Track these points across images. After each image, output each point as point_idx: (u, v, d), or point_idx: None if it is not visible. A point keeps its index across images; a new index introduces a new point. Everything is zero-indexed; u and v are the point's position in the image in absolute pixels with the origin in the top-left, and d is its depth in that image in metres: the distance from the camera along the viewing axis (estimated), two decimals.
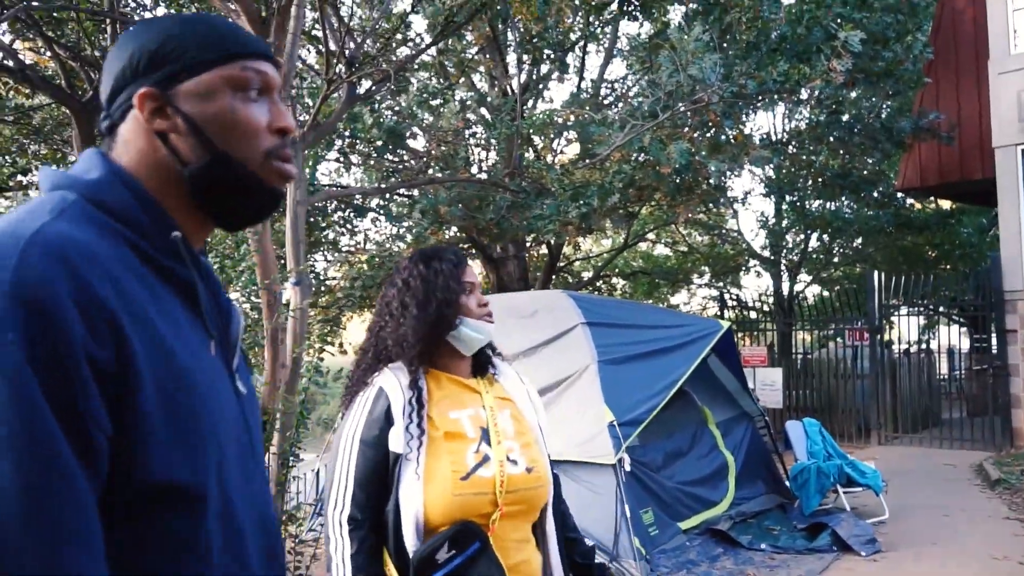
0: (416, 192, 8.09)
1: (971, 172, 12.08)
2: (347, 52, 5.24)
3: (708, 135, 7.80)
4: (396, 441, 1.69)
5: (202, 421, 0.89)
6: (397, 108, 8.17)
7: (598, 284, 14.38)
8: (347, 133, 7.97)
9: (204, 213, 0.99)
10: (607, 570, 1.96)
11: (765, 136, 11.74)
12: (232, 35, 0.99)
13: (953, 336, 17.11)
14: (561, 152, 10.07)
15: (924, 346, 13.90)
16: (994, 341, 12.38)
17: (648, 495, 5.84)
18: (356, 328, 11.89)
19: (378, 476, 1.69)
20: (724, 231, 15.98)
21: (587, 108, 8.53)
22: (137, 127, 0.96)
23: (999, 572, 5.22)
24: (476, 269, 15.23)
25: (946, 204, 16.42)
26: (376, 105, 8.15)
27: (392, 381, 1.74)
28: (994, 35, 10.55)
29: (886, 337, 12.14)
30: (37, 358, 0.76)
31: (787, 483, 7.10)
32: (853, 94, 11.06)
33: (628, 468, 5.57)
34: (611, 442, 5.46)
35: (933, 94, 12.19)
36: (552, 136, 7.93)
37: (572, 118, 8.62)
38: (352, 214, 9.39)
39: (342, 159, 9.39)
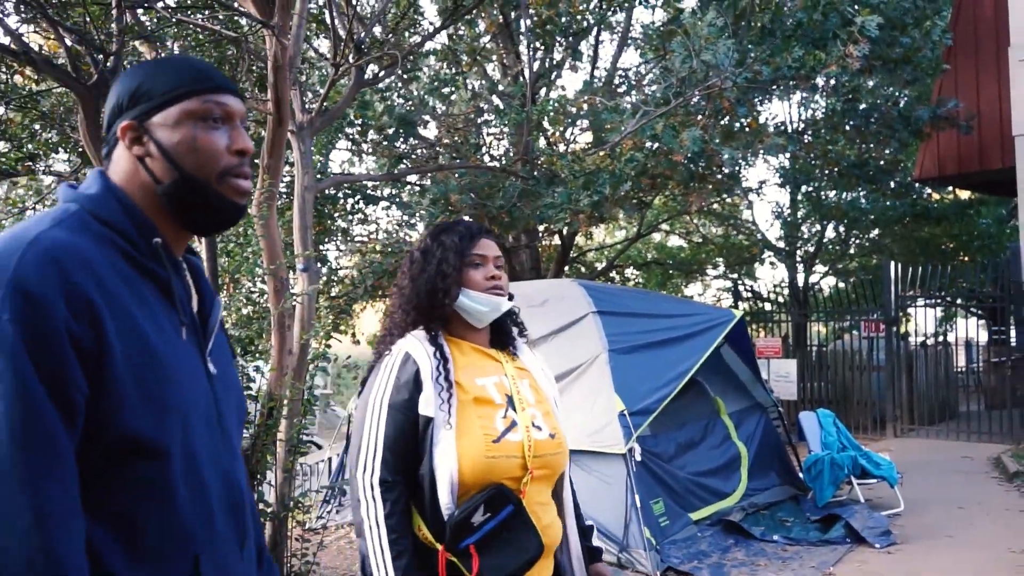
0: (428, 180, 8.04)
1: (990, 162, 11.88)
2: (355, 37, 5.19)
3: (722, 122, 7.69)
4: (426, 405, 1.71)
5: (167, 390, 1.09)
6: (408, 95, 8.12)
7: (611, 275, 14.29)
8: (358, 121, 7.93)
9: (177, 222, 1.20)
10: (600, 552, 1.95)
11: (781, 125, 11.59)
12: (196, 73, 1.19)
13: (971, 328, 16.92)
14: (574, 141, 9.99)
15: (941, 338, 13.73)
16: (1012, 333, 12.22)
17: (659, 485, 5.79)
18: (368, 318, 11.85)
19: (407, 440, 1.72)
20: (739, 222, 15.83)
21: (600, 96, 8.44)
22: (123, 153, 1.19)
23: (1016, 565, 5.12)
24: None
25: (964, 194, 16.19)
26: (386, 92, 8.10)
27: (417, 346, 1.77)
28: (1015, 21, 10.36)
29: (902, 329, 11.99)
30: (27, 333, 0.97)
31: (800, 475, 7.03)
32: (871, 82, 10.89)
33: (639, 458, 5.52)
34: (621, 432, 5.41)
35: (952, 82, 11.99)
36: (565, 123, 7.86)
37: (585, 106, 8.53)
38: (363, 202, 9.35)
39: (353, 147, 9.34)
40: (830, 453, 6.72)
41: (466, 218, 8.49)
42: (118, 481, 1.05)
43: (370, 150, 9.61)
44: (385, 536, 1.67)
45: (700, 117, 7.39)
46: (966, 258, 15.92)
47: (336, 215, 9.41)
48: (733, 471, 6.65)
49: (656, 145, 7.19)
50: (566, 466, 1.87)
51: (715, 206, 14.14)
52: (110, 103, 1.21)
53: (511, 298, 1.89)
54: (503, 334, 1.91)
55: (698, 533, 5.78)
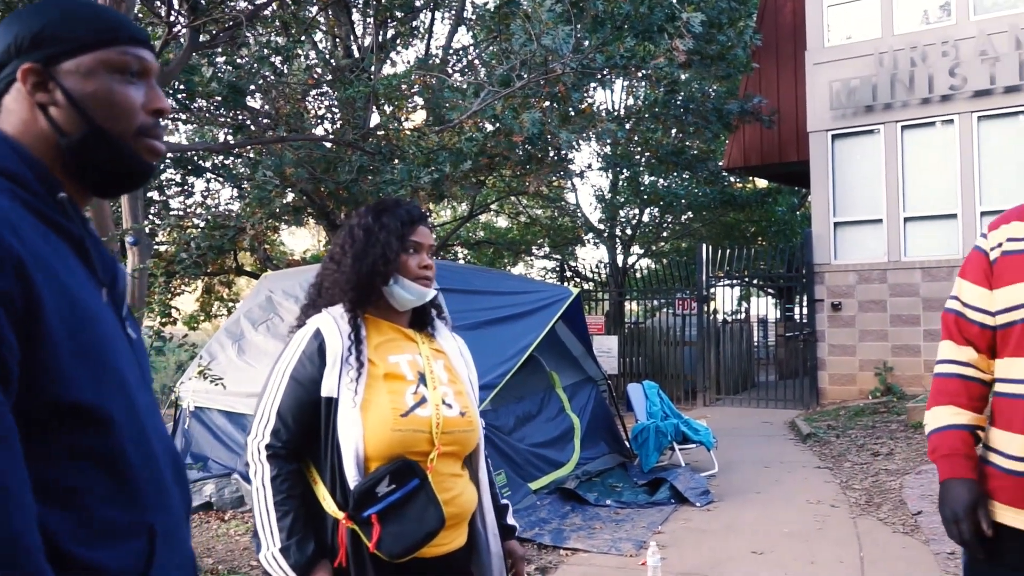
0: (263, 152, 7.70)
1: (788, 154, 13.08)
2: None
3: (558, 107, 7.94)
4: (329, 387, 1.72)
5: (103, 353, 1.01)
6: (237, 63, 7.72)
7: (442, 254, 14.37)
8: (182, 87, 7.44)
9: (77, 180, 1.10)
10: (515, 529, 2.02)
11: (608, 112, 12.11)
12: (114, 22, 1.11)
13: (764, 306, 18.59)
14: (407, 118, 9.92)
15: (743, 315, 14.99)
16: (799, 311, 13.57)
17: (501, 458, 5.95)
18: (188, 297, 11.21)
19: (304, 411, 1.74)
20: (564, 204, 16.41)
21: (434, 74, 8.43)
22: (20, 98, 1.07)
23: (815, 514, 5.76)
24: (320, 237, 14.78)
25: (762, 183, 17.71)
26: (212, 58, 7.65)
27: (329, 322, 1.78)
28: (811, 28, 11.44)
29: (711, 307, 13.00)
30: None
31: (627, 443, 7.46)
32: (684, 76, 11.62)
33: (482, 431, 5.65)
34: None
35: (757, 80, 13.06)
36: (406, 99, 7.81)
37: (422, 83, 8.49)
38: (185, 174, 8.80)
39: (175, 114, 8.76)
40: (655, 421, 7.19)
41: (293, 194, 8.24)
42: (62, 453, 0.95)
43: (188, 119, 9.05)
44: (271, 497, 1.69)
45: (537, 100, 7.58)
46: (763, 242, 17.44)
47: (155, 186, 8.80)
48: (567, 442, 6.95)
49: (496, 125, 7.30)
50: (477, 442, 1.91)
51: (543, 189, 14.57)
52: (2, 42, 1.07)
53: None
54: (422, 315, 1.94)
55: (537, 502, 6.01)
